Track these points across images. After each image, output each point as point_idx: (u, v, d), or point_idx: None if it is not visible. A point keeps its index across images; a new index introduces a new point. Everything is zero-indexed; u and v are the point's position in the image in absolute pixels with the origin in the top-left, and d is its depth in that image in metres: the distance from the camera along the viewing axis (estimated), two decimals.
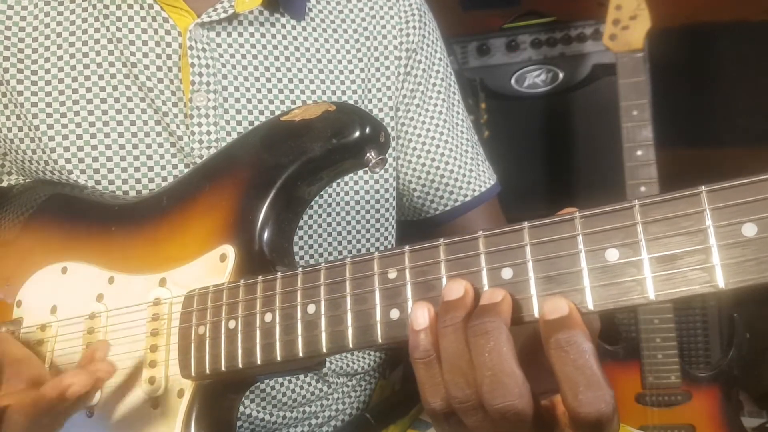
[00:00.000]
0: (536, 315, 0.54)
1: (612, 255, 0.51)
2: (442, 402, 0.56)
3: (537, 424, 0.53)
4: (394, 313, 0.60)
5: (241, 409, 0.95)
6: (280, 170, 0.76)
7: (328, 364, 1.03)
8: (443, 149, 1.10)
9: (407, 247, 0.61)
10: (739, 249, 0.47)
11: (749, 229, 0.46)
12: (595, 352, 0.50)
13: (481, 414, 0.54)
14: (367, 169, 0.76)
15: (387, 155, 0.77)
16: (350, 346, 0.62)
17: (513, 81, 2.23)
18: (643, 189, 1.79)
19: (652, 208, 0.50)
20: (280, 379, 0.98)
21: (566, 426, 0.53)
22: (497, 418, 0.52)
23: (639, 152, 1.83)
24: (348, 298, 0.62)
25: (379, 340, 0.60)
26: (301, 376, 1.00)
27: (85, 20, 0.94)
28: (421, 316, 0.56)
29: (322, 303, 0.64)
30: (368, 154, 0.75)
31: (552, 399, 0.55)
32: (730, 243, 0.47)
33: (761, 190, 0.46)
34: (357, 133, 0.75)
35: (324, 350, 0.63)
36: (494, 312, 0.53)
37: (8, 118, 0.94)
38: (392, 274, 0.61)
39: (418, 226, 1.14)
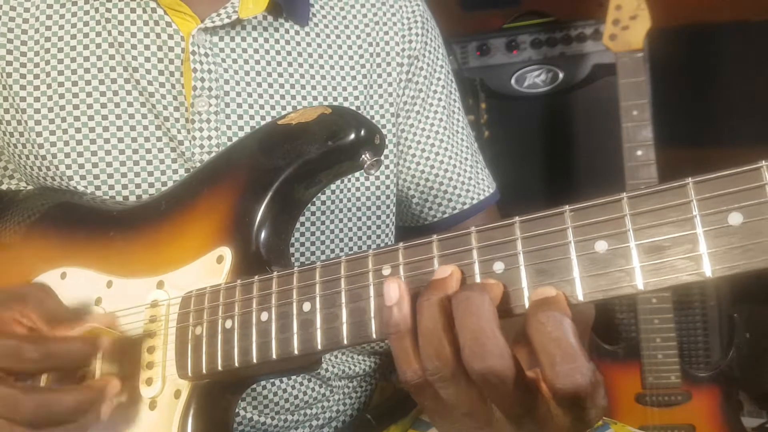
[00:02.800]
0: (527, 306, 0.54)
1: (601, 246, 0.52)
2: (413, 374, 0.56)
3: (519, 389, 0.53)
4: None
5: (242, 413, 0.95)
6: (277, 172, 0.76)
7: (330, 368, 1.03)
8: (442, 156, 1.10)
9: (401, 244, 0.61)
10: (726, 238, 0.47)
11: (735, 218, 0.47)
12: (573, 328, 0.51)
13: (453, 387, 0.55)
14: (363, 171, 0.77)
15: (382, 157, 0.78)
16: (345, 342, 0.62)
17: (513, 81, 2.23)
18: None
19: (640, 200, 0.51)
20: (281, 384, 0.98)
21: (551, 401, 0.54)
22: (479, 382, 0.53)
23: (639, 152, 1.83)
24: (343, 295, 0.63)
25: (374, 336, 0.61)
26: (303, 381, 1.00)
27: (86, 24, 0.94)
28: (392, 290, 0.57)
29: (318, 300, 0.64)
30: (363, 156, 0.75)
31: (536, 370, 0.55)
32: (716, 232, 0.48)
33: (747, 179, 0.47)
34: (352, 136, 0.75)
35: (319, 347, 0.64)
36: (480, 286, 0.54)
37: (9, 122, 0.94)
38: (386, 271, 0.61)
39: (417, 232, 1.14)
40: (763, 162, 0.46)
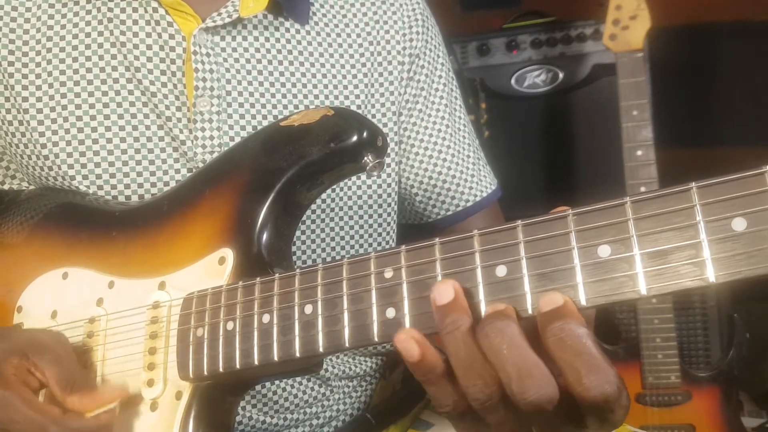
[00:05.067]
0: (530, 311, 0.54)
1: (604, 251, 0.52)
2: (452, 404, 0.56)
3: (562, 405, 0.53)
4: (390, 312, 0.60)
5: (242, 413, 0.95)
6: (279, 174, 0.76)
7: (330, 369, 1.03)
8: (445, 154, 1.10)
9: (403, 247, 0.61)
10: (729, 243, 0.47)
11: (739, 224, 0.47)
12: (592, 336, 0.51)
13: (503, 411, 0.54)
14: (365, 173, 0.77)
15: (384, 159, 0.78)
16: (347, 345, 0.62)
17: (513, 81, 2.23)
18: (643, 189, 1.79)
19: (644, 204, 0.51)
20: (281, 384, 0.98)
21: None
22: (531, 411, 0.52)
23: (639, 152, 1.83)
24: (345, 298, 0.63)
25: (375, 339, 0.61)
26: (303, 380, 1.00)
27: (88, 23, 0.94)
28: (412, 352, 0.55)
29: (319, 303, 0.64)
30: (366, 158, 0.75)
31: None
32: (720, 238, 0.48)
33: (750, 185, 0.47)
34: (354, 138, 0.75)
35: (321, 350, 0.63)
36: (502, 315, 0.54)
37: (11, 123, 0.94)
38: (388, 274, 0.61)
39: (420, 230, 1.14)
40: (767, 167, 0.46)
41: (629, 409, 0.53)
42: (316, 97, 0.99)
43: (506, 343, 0.52)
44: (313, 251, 1.00)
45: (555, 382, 0.52)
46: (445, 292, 0.55)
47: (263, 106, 0.96)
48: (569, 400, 0.53)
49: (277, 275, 0.68)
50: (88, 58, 0.93)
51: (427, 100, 1.10)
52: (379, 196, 1.05)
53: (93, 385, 0.76)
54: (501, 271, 0.56)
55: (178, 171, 0.93)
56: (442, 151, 1.10)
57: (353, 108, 1.02)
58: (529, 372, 0.51)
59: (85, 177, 0.92)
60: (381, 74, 1.05)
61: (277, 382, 0.97)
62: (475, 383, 0.54)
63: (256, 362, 0.67)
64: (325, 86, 1.00)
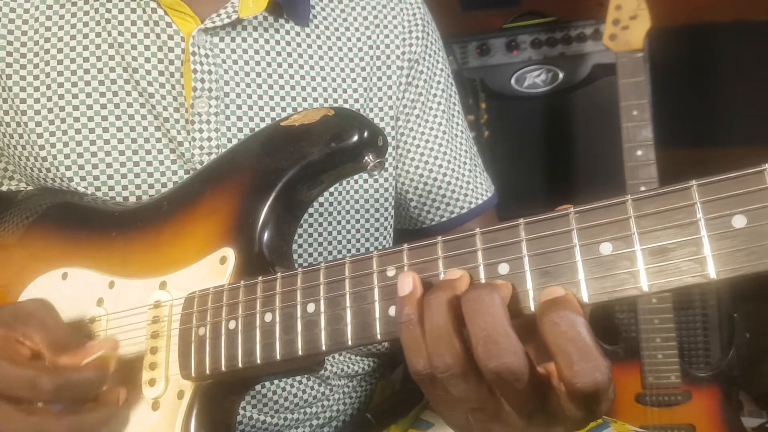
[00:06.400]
0: (532, 309, 0.55)
1: (606, 248, 0.52)
2: (425, 364, 0.56)
3: (533, 386, 0.53)
4: (393, 310, 0.60)
5: (242, 413, 0.95)
6: (280, 174, 0.77)
7: (329, 367, 1.03)
8: (441, 161, 1.10)
9: (406, 246, 0.61)
10: (730, 240, 0.48)
11: (739, 221, 0.47)
12: (587, 326, 0.51)
13: (463, 384, 0.55)
14: (366, 172, 0.77)
15: (385, 159, 0.78)
16: (349, 343, 0.62)
17: (513, 81, 2.23)
18: (643, 189, 1.78)
19: (645, 202, 0.51)
20: (281, 383, 0.98)
21: (563, 396, 0.54)
22: (492, 379, 0.53)
23: (639, 152, 1.83)
24: (347, 296, 0.63)
25: (378, 337, 0.61)
26: (302, 380, 1.00)
27: (86, 24, 0.94)
28: (406, 282, 0.58)
29: (322, 301, 0.64)
30: (366, 158, 0.76)
31: (545, 366, 0.55)
32: (720, 234, 0.48)
33: (750, 182, 0.47)
34: (355, 137, 0.75)
35: (324, 348, 0.64)
36: (490, 286, 0.54)
37: (8, 124, 0.94)
38: (391, 272, 0.61)
39: (415, 235, 1.14)
40: (767, 165, 0.47)
41: (613, 402, 0.53)
42: (315, 99, 0.99)
43: (483, 308, 0.53)
44: (310, 254, 1.00)
45: (524, 359, 0.52)
46: (454, 271, 0.58)
47: (261, 108, 0.96)
48: (544, 384, 0.54)
49: (279, 274, 0.68)
50: (86, 59, 0.93)
51: (424, 105, 1.10)
52: (376, 199, 1.05)
53: (84, 343, 0.75)
54: (503, 268, 0.56)
55: (175, 172, 0.93)
56: (438, 157, 1.10)
57: None
58: (496, 339, 0.52)
59: (83, 178, 0.92)
60: (380, 78, 1.05)
61: (276, 381, 0.97)
62: (439, 351, 0.55)
63: (258, 361, 0.68)
64: (324, 89, 1.00)
